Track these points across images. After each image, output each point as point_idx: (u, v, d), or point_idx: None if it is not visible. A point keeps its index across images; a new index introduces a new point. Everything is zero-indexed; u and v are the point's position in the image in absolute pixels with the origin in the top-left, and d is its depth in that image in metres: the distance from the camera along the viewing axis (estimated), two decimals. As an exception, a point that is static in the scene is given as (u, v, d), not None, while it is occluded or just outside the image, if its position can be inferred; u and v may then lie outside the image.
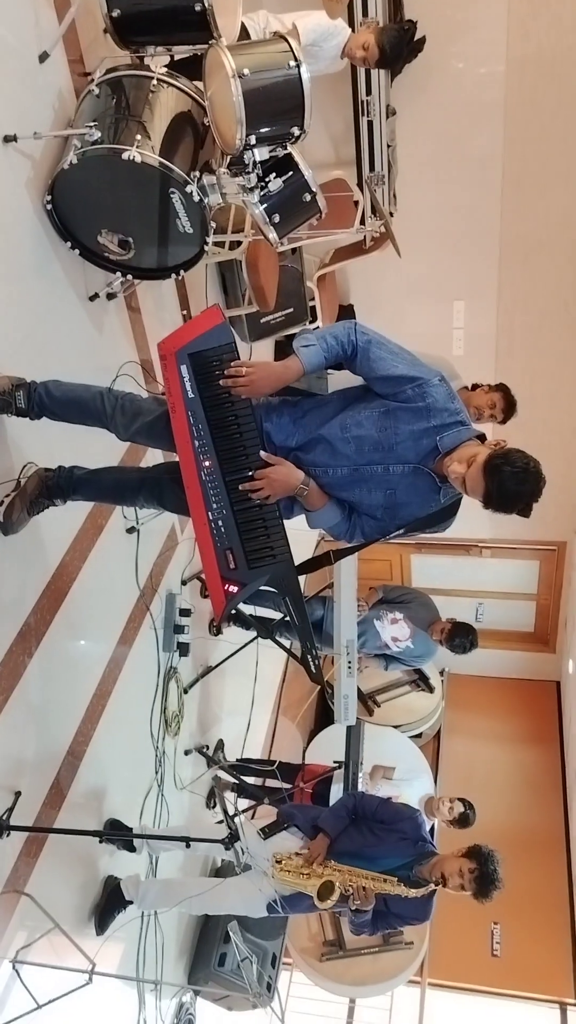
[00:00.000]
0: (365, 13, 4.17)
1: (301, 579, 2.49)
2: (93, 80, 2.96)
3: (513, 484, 2.08)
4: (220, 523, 2.36)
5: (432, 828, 5.14)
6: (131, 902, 3.43)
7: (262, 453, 2.34)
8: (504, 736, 7.51)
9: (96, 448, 2.99)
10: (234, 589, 2.40)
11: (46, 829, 2.90)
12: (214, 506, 2.36)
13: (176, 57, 3.24)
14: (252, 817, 4.26)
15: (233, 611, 4.45)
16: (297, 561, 2.45)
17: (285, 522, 2.41)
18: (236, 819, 2.98)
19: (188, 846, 2.88)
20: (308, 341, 2.30)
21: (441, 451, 2.25)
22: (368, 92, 4.70)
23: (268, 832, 3.46)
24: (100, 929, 3.34)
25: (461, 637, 4.45)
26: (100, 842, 3.39)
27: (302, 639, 2.55)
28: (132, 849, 3.54)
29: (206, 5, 2.86)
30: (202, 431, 2.35)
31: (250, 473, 2.34)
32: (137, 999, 3.74)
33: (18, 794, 2.80)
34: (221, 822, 3.09)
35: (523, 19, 4.88)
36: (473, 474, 2.11)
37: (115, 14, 2.92)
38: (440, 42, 4.94)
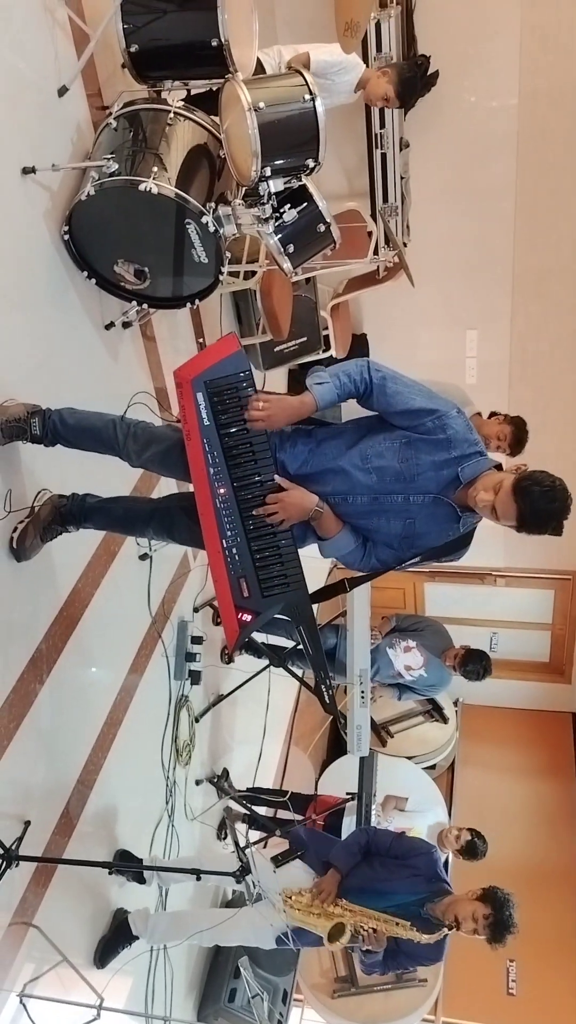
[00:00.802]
0: (379, 48, 4.24)
1: (314, 607, 2.48)
2: (111, 113, 3.01)
3: (544, 503, 2.11)
4: (234, 551, 2.36)
5: (447, 860, 5.07)
6: (137, 937, 3.38)
7: (276, 478, 2.34)
8: (519, 768, 7.41)
9: (109, 477, 3.00)
10: (248, 618, 2.39)
11: (55, 860, 2.87)
12: (228, 534, 2.36)
13: (192, 92, 3.28)
14: (264, 847, 4.20)
15: (246, 640, 4.44)
16: (311, 589, 2.44)
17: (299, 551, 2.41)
18: (247, 850, 2.94)
19: (199, 879, 2.84)
20: (321, 379, 2.32)
21: (462, 481, 2.26)
22: (382, 126, 4.76)
23: (280, 860, 3.40)
24: (101, 963, 3.27)
25: (474, 663, 4.42)
26: (110, 873, 3.35)
27: (316, 669, 2.52)
28: (142, 881, 3.50)
29: (223, 40, 2.91)
30: (217, 459, 2.35)
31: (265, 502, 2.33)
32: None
33: (27, 823, 2.77)
34: (233, 853, 3.05)
35: (534, 54, 4.94)
36: (503, 499, 2.14)
37: (133, 49, 2.98)
38: (453, 76, 4.99)
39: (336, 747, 7.03)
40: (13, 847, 2.60)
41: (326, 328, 5.23)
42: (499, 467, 2.32)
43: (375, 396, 2.30)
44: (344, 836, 4.34)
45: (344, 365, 2.34)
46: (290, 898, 3.28)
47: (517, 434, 3.73)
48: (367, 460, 2.31)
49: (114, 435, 2.59)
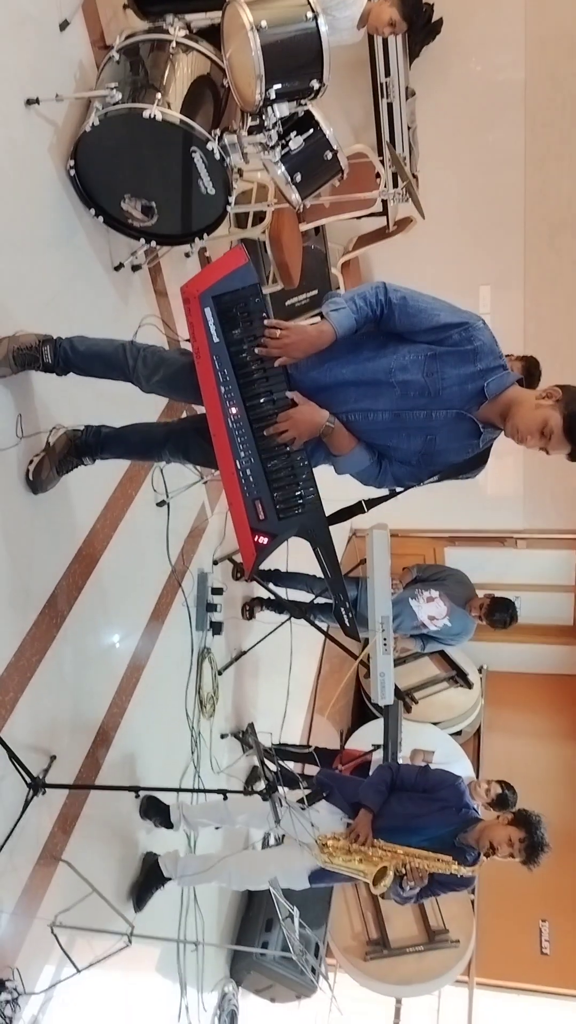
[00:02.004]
0: None
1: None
2: (113, 48, 2.99)
3: None
4: (248, 472, 2.31)
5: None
6: (169, 879, 3.37)
7: (288, 393, 2.29)
8: (545, 733, 7.35)
9: (122, 412, 2.98)
10: (264, 540, 2.35)
11: (82, 786, 2.87)
12: (242, 455, 2.31)
13: (194, 27, 3.26)
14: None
15: (265, 589, 4.42)
16: (327, 513, 2.41)
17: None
18: (279, 800, 2.90)
19: (225, 798, 2.82)
20: (338, 305, 2.25)
21: (488, 397, 2.21)
22: (387, 74, 4.71)
23: (308, 802, 3.37)
24: (139, 906, 3.29)
25: (501, 612, 4.37)
26: (142, 817, 3.34)
27: (335, 591, 2.48)
28: (169, 825, 3.49)
29: (223, -33, 2.88)
30: (228, 377, 2.30)
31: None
32: (179, 986, 3.67)
33: (53, 758, 2.77)
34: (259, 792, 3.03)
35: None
36: (556, 442, 2.15)
37: (133, -18, 2.96)
38: (456, 24, 4.93)
39: (360, 714, 7.00)
40: (40, 776, 2.59)
41: (338, 287, 5.20)
42: (521, 382, 2.28)
43: (397, 317, 2.23)
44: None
45: (359, 289, 2.28)
46: (326, 845, 3.25)
47: (529, 369, 3.68)
48: (391, 374, 2.24)
49: (124, 359, 2.57)
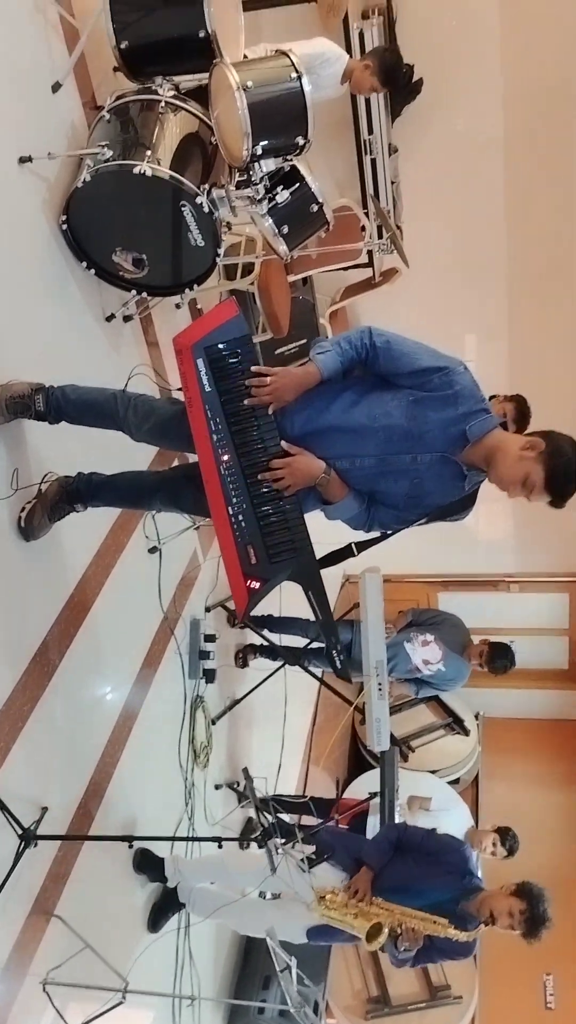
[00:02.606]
0: (363, 50, 4.35)
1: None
2: (104, 108, 3.08)
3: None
4: (240, 517, 2.34)
5: (476, 857, 4.95)
6: (183, 905, 3.35)
7: (283, 443, 2.32)
8: (544, 780, 7.26)
9: (114, 459, 3.00)
10: (256, 585, 2.36)
11: (75, 837, 2.81)
12: (234, 500, 2.34)
13: (182, 87, 3.36)
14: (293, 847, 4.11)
15: (259, 636, 4.40)
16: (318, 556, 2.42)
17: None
18: (275, 847, 2.87)
19: (220, 846, 2.77)
20: (324, 348, 2.32)
21: (470, 439, 2.25)
22: (370, 132, 4.86)
23: (311, 863, 3.33)
24: (154, 928, 3.30)
25: (502, 658, 4.38)
26: (135, 870, 3.29)
27: (326, 634, 2.49)
28: (163, 880, 3.43)
29: (210, 31, 3.00)
30: (220, 425, 2.34)
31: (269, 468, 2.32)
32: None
33: (45, 809, 2.73)
34: (259, 852, 2.98)
35: (516, 58, 5.06)
36: (537, 495, 2.20)
37: (123, 46, 3.07)
38: (437, 82, 5.10)
39: (357, 763, 6.92)
40: (32, 828, 2.55)
41: (326, 336, 5.30)
42: (504, 425, 2.32)
43: (381, 360, 2.28)
44: (370, 835, 4.27)
45: (346, 333, 2.35)
46: (324, 898, 3.22)
47: (520, 409, 3.74)
48: (374, 419, 2.28)
49: (115, 408, 2.60)
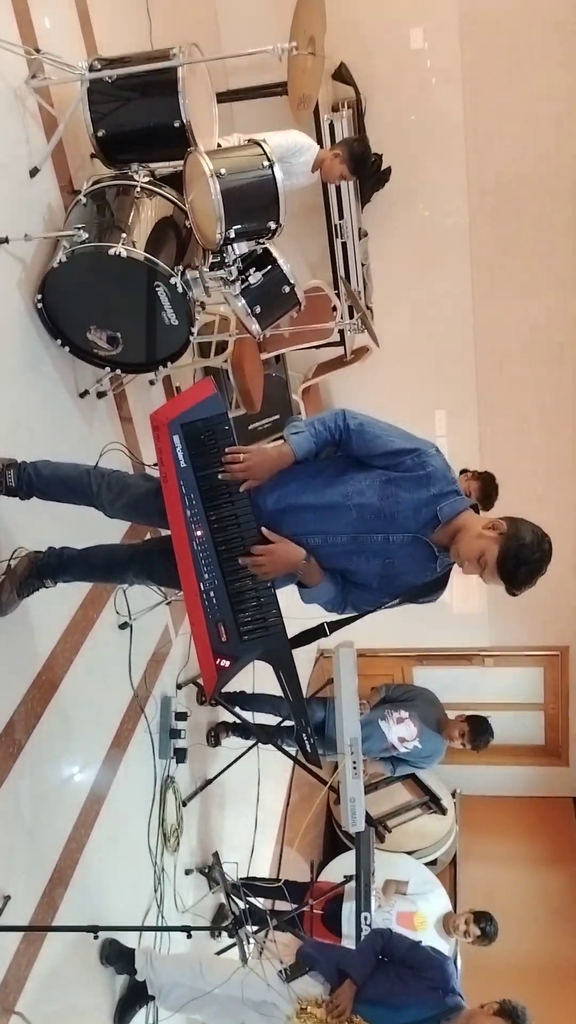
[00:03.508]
0: (333, 140, 4.53)
1: (301, 675, 2.42)
2: (81, 192, 3.16)
3: (526, 576, 2.20)
4: (212, 594, 2.31)
5: (455, 952, 4.81)
6: (154, 997, 3.19)
7: (263, 530, 2.32)
8: (523, 859, 7.11)
9: (86, 535, 2.99)
10: (226, 664, 2.32)
11: (38, 928, 2.69)
12: (206, 576, 2.32)
13: (158, 174, 3.47)
14: (266, 937, 3.95)
15: (231, 713, 4.32)
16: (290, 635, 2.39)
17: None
18: (246, 936, 2.76)
19: (189, 936, 2.65)
20: (298, 429, 2.36)
21: (441, 520, 2.28)
22: (341, 217, 5.03)
23: (290, 975, 3.23)
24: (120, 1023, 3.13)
25: (483, 734, 4.34)
26: (102, 962, 3.14)
27: (296, 717, 2.42)
28: (133, 972, 3.26)
29: (184, 122, 3.11)
30: (194, 500, 2.34)
31: (243, 545, 2.31)
32: None
33: (7, 898, 2.61)
34: (228, 948, 2.85)
35: (479, 149, 5.31)
36: (489, 575, 2.21)
37: (100, 134, 3.17)
38: (404, 171, 5.33)
39: (332, 845, 6.74)
40: (-9, 919, 2.44)
41: (299, 412, 5.37)
42: (476, 508, 2.36)
43: (354, 442, 2.33)
44: (344, 922, 4.13)
45: (320, 415, 2.40)
46: (305, 1010, 3.11)
47: (485, 489, 3.81)
48: (348, 497, 2.31)
49: (88, 484, 2.60)
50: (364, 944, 3.47)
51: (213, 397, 2.41)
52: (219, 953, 3.92)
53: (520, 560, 2.16)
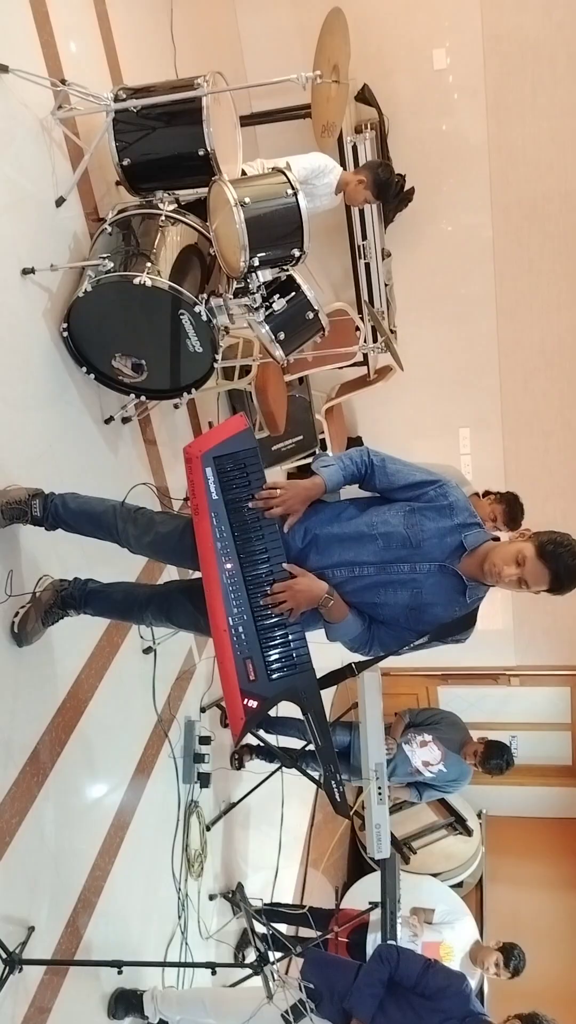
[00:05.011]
0: (356, 162, 4.53)
1: (324, 699, 2.39)
2: (106, 221, 3.19)
3: (573, 559, 2.14)
4: (240, 629, 2.27)
5: (481, 982, 4.73)
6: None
7: (286, 565, 2.30)
8: (551, 881, 7.00)
9: (110, 565, 3.00)
10: (254, 704, 2.28)
11: (63, 962, 2.68)
12: (235, 611, 2.28)
13: (182, 201, 3.49)
14: (287, 970, 3.89)
15: (255, 737, 4.30)
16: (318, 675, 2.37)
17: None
18: (271, 973, 2.68)
19: (214, 973, 2.63)
20: (327, 462, 2.41)
21: (467, 548, 2.28)
22: (364, 238, 5.03)
23: (292, 1019, 2.98)
24: None
25: (496, 757, 4.25)
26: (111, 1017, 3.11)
27: (324, 762, 2.34)
28: (141, 1012, 3.19)
29: (209, 150, 3.12)
30: (224, 533, 2.31)
31: (272, 579, 2.28)
32: None
33: (31, 929, 2.61)
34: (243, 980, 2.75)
35: (503, 169, 5.29)
36: (532, 568, 2.16)
37: (125, 163, 3.19)
38: (428, 192, 5.32)
39: (357, 865, 6.69)
40: (17, 951, 2.44)
41: (322, 432, 5.36)
42: (496, 539, 2.36)
43: (377, 476, 2.38)
44: (370, 953, 4.06)
45: (347, 452, 2.44)
46: None
47: (511, 511, 3.77)
48: (373, 526, 2.33)
49: (114, 521, 2.60)
50: (370, 976, 3.28)
51: (245, 432, 2.39)
52: (235, 984, 3.84)
53: (559, 544, 2.14)
